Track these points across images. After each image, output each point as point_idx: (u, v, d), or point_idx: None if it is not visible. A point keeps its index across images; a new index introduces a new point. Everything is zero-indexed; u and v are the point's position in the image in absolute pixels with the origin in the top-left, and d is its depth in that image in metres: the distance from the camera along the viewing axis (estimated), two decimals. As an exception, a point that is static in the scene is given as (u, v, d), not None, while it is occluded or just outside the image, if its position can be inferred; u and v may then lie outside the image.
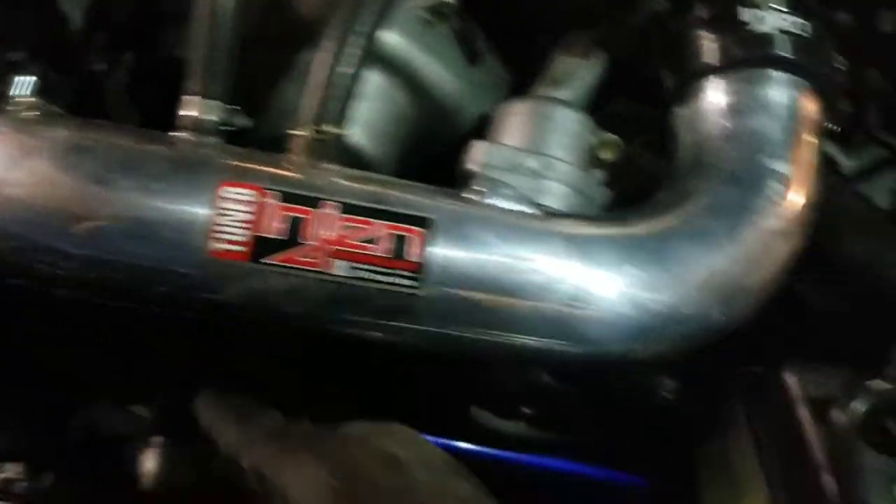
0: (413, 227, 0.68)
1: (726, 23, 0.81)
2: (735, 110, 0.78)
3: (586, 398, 1.04)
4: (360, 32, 0.74)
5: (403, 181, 0.75)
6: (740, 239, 0.74)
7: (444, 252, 0.68)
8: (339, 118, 0.74)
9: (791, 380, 0.75)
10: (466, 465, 1.10)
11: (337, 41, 0.74)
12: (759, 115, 0.78)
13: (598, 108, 0.94)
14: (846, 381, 0.73)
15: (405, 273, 0.67)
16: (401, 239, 0.67)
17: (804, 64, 0.80)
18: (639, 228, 0.73)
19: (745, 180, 0.75)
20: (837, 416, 0.70)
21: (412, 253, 0.67)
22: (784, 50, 0.80)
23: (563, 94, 0.91)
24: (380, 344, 0.70)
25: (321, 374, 0.94)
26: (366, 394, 0.99)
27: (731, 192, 0.74)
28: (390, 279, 0.67)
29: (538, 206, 0.76)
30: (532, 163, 0.82)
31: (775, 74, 0.79)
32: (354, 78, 0.74)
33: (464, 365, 0.93)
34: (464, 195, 0.74)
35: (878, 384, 0.71)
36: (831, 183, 0.92)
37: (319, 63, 0.74)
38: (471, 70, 0.94)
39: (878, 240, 0.87)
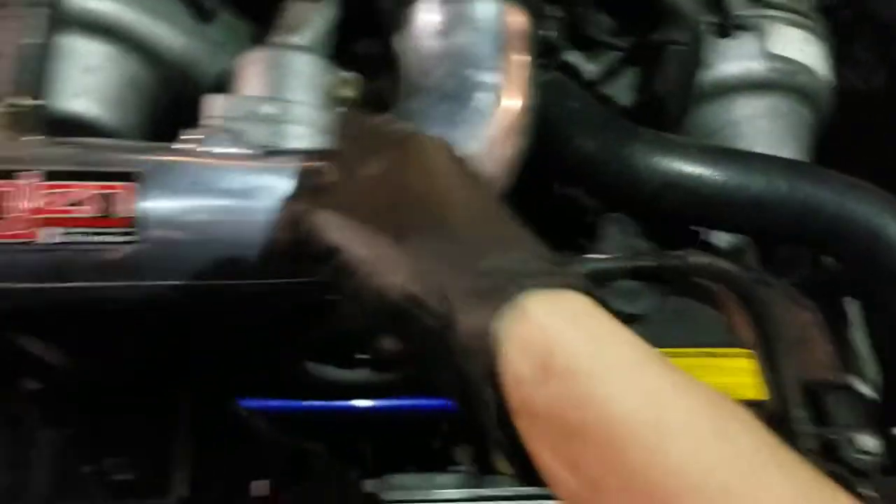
0: (120, 184, 0.68)
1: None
2: (444, 29, 0.81)
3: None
4: (41, 2, 0.74)
5: (110, 141, 0.75)
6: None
7: (156, 204, 0.69)
8: (36, 89, 0.73)
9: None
10: (318, 421, 1.11)
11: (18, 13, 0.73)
12: (466, 32, 0.81)
13: (342, 49, 0.97)
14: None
15: (118, 230, 0.67)
16: (108, 197, 0.67)
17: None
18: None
19: (454, 95, 0.78)
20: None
21: (122, 209, 0.67)
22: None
23: (298, 39, 0.92)
24: (110, 305, 0.71)
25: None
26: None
27: (442, 107, 0.77)
28: (104, 238, 0.67)
29: (261, 146, 0.76)
30: (269, 109, 0.84)
31: (479, -8, 0.83)
32: (44, 48, 0.74)
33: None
34: (174, 146, 0.75)
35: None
36: (561, 87, 0.97)
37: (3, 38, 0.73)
38: (203, 28, 0.95)
39: (610, 136, 0.92)
